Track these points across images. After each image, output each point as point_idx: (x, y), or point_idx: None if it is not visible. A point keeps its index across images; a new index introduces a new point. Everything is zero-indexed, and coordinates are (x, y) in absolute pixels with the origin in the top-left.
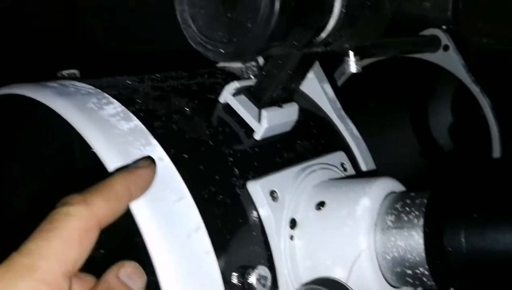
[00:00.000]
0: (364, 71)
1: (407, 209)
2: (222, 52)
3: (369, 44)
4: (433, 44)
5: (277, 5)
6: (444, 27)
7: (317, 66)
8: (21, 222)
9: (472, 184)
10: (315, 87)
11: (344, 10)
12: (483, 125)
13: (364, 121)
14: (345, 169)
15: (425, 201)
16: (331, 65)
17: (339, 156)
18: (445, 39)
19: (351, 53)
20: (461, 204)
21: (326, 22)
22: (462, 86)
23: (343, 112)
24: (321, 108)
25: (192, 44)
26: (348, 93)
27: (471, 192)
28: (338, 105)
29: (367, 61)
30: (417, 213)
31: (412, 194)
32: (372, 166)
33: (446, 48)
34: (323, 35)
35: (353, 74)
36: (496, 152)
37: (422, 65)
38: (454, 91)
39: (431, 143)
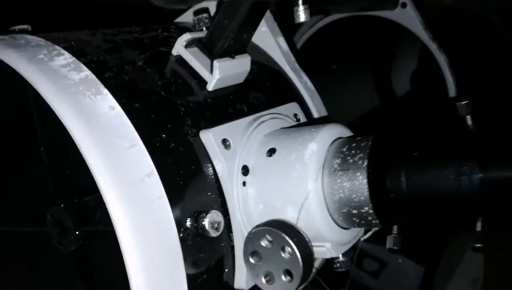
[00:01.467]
0: (324, 29)
1: (353, 152)
2: None
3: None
4: (391, 1)
5: None
6: None
7: (271, 20)
8: None
9: (415, 129)
10: (269, 40)
11: None
12: (440, 81)
13: (326, 78)
14: (298, 120)
15: (370, 144)
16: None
17: (292, 107)
18: None
19: (299, 2)
20: (402, 146)
21: None
22: (420, 43)
23: (297, 65)
24: (275, 61)
25: None
26: (310, 52)
27: (412, 136)
28: (292, 58)
29: (327, 20)
30: (361, 155)
31: (358, 138)
32: (325, 114)
33: (404, 5)
34: None
35: (314, 33)
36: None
37: (381, 22)
38: (412, 47)
39: (391, 96)
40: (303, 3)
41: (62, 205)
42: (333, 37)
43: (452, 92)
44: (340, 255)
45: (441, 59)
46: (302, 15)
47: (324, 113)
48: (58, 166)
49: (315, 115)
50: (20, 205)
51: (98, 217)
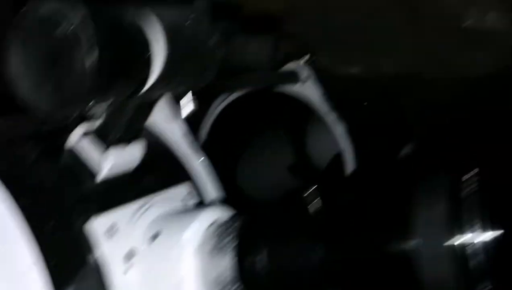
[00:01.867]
0: (236, 102)
1: (225, 233)
2: (45, 107)
3: (230, 85)
4: (293, 76)
5: (92, 69)
6: (302, 61)
7: (169, 105)
8: None
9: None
10: (165, 124)
11: (165, 66)
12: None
13: (232, 151)
14: (189, 201)
15: (240, 224)
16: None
17: (184, 188)
18: (304, 72)
19: (187, 96)
20: (265, 228)
21: (147, 76)
22: (318, 115)
23: (194, 146)
24: (170, 143)
25: (21, 99)
26: (218, 127)
27: (276, 216)
28: (190, 139)
29: (234, 96)
30: (232, 236)
31: (231, 219)
32: (219, 194)
33: (304, 80)
34: (146, 87)
35: (223, 109)
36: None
37: (283, 97)
38: (311, 120)
39: (293, 169)
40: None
41: None
42: (243, 110)
43: (350, 164)
44: None
45: (340, 130)
46: (189, 105)
47: (217, 192)
48: None
49: (210, 193)
50: None
51: None
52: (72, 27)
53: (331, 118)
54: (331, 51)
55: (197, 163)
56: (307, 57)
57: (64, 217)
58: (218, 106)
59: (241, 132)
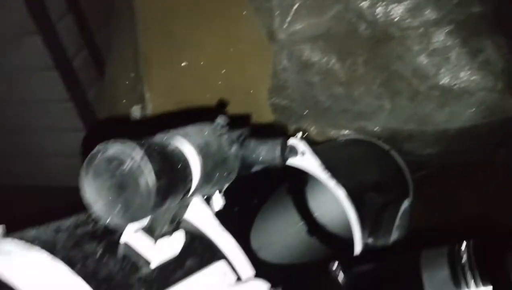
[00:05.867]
0: (239, 180)
1: None
2: (119, 222)
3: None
4: (292, 150)
5: (154, 191)
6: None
7: (200, 200)
8: None
9: None
10: (197, 216)
11: (201, 178)
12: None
13: (244, 221)
14: (225, 275)
15: None
16: None
17: (220, 266)
18: (301, 147)
19: (216, 194)
20: None
21: (190, 187)
22: (319, 183)
23: (222, 230)
24: (203, 230)
25: (98, 219)
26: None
27: None
28: (217, 223)
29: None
30: None
31: None
32: (251, 271)
33: (303, 153)
34: (190, 194)
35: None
36: (356, 235)
37: (287, 169)
38: (316, 188)
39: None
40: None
41: None
42: (251, 184)
43: (355, 228)
44: None
45: (341, 194)
46: (219, 202)
47: (249, 268)
48: None
49: (241, 270)
50: None
51: None
52: (135, 163)
53: (331, 184)
54: (319, 119)
55: (228, 245)
56: (300, 133)
57: None
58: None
59: (251, 202)
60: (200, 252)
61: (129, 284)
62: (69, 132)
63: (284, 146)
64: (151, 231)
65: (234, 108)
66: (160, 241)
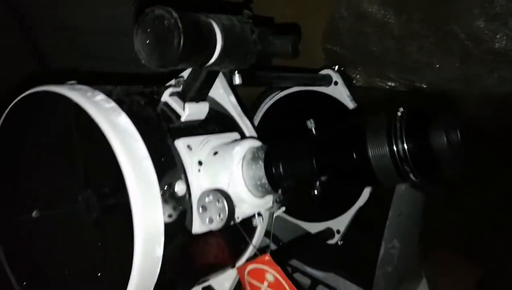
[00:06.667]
0: (280, 101)
1: (259, 152)
2: (155, 65)
3: (270, 75)
4: (326, 80)
5: (182, 45)
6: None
7: (225, 84)
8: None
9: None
10: (224, 97)
11: (222, 48)
12: None
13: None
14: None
15: (266, 148)
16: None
17: (233, 135)
18: (335, 77)
19: (236, 72)
20: (278, 148)
21: (213, 54)
22: (348, 111)
23: (240, 111)
24: (226, 110)
25: (143, 62)
26: (269, 119)
27: (284, 143)
28: (238, 108)
29: (278, 96)
30: (261, 153)
31: (262, 145)
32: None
33: (336, 83)
34: (212, 60)
35: (273, 103)
36: None
37: (321, 95)
38: (342, 113)
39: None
40: (238, 72)
41: (89, 190)
42: (286, 107)
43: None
44: (256, 215)
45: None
46: (237, 80)
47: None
48: (87, 163)
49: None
50: (57, 195)
51: (109, 196)
52: (171, 22)
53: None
54: (368, 68)
55: (244, 123)
56: (336, 66)
57: (162, 136)
58: (268, 102)
59: (284, 118)
60: (220, 122)
61: (161, 128)
62: None
63: (294, 43)
64: (183, 96)
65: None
66: (189, 104)
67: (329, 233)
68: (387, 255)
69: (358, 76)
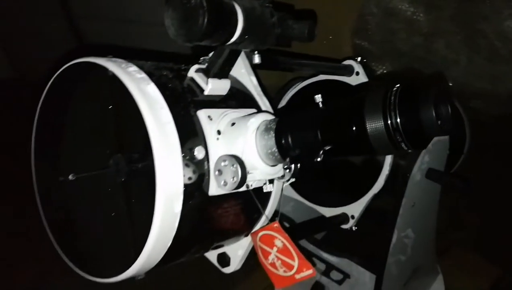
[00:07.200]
0: (303, 89)
1: (271, 124)
2: (182, 40)
3: (292, 61)
4: (348, 70)
5: (206, 22)
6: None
7: (247, 64)
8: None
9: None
10: (245, 76)
11: (243, 28)
12: None
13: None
14: None
15: (277, 120)
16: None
17: (251, 111)
18: (356, 67)
19: (256, 52)
20: (290, 122)
21: (234, 32)
22: None
23: (260, 91)
24: (247, 88)
25: (172, 37)
26: (291, 102)
27: (293, 116)
28: (258, 88)
29: (302, 85)
30: (273, 125)
31: (274, 118)
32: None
33: (357, 73)
34: (233, 39)
35: (295, 92)
36: None
37: (342, 84)
38: None
39: None
40: (258, 52)
41: (119, 154)
42: (309, 95)
43: None
44: (267, 182)
45: None
46: (257, 59)
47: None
48: (118, 129)
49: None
50: (89, 159)
51: (137, 160)
52: (197, 2)
53: None
54: (394, 64)
55: (263, 102)
56: (359, 58)
57: (186, 106)
58: (292, 90)
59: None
60: (240, 99)
61: (185, 98)
62: None
63: (311, 28)
64: (207, 72)
65: (318, 45)
66: (212, 79)
67: (343, 217)
68: (400, 243)
69: (384, 71)
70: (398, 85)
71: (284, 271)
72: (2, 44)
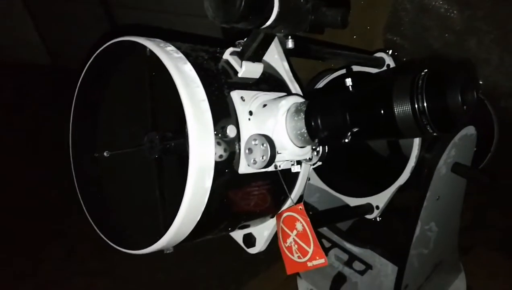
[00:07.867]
0: (333, 80)
1: (301, 106)
2: (219, 21)
3: (324, 50)
4: (379, 62)
5: (243, 5)
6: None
7: (280, 51)
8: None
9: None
10: (278, 62)
11: (278, 12)
12: None
13: None
14: None
15: (307, 103)
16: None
17: (282, 94)
18: (388, 60)
19: (289, 37)
20: (318, 103)
21: (269, 16)
22: None
23: (292, 76)
24: (279, 73)
25: (210, 18)
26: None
27: (323, 98)
28: (290, 74)
29: (333, 76)
30: (303, 107)
31: (304, 101)
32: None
33: (388, 66)
34: (268, 22)
35: (327, 82)
36: None
37: (374, 77)
38: None
39: None
40: (291, 38)
41: (153, 132)
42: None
43: None
44: (295, 162)
45: None
46: (290, 44)
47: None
48: (154, 107)
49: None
50: (123, 136)
51: (172, 138)
52: None
53: None
54: (426, 60)
55: (294, 87)
56: (390, 51)
57: (220, 87)
58: (323, 81)
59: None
60: (272, 83)
61: (220, 79)
62: None
63: (344, 15)
64: (242, 55)
65: (352, 39)
66: (246, 62)
67: (368, 207)
68: (423, 236)
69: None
70: (426, 70)
71: (298, 257)
72: (40, 31)
